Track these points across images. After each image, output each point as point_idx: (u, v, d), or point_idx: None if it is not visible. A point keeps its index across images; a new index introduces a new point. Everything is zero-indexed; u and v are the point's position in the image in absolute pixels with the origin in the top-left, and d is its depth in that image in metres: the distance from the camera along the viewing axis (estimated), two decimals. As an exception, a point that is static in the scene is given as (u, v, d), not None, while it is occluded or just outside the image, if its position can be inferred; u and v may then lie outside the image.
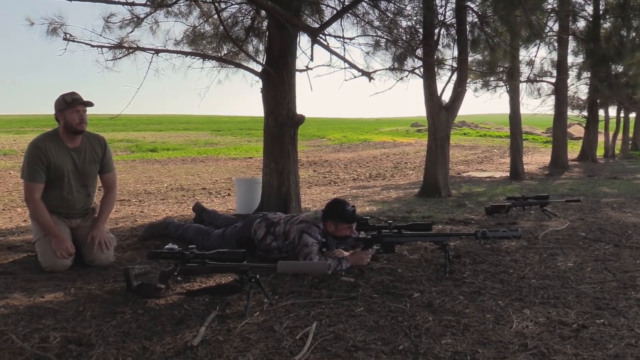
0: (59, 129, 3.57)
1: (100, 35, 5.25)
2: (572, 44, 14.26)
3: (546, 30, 12.56)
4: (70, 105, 3.49)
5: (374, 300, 2.82)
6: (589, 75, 15.07)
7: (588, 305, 2.74)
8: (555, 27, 13.60)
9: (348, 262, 3.42)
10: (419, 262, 3.67)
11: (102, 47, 5.11)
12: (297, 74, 5.42)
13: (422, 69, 7.88)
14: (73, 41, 4.92)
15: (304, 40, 6.44)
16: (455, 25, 7.85)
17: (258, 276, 2.72)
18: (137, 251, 4.04)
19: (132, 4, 5.27)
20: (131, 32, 5.60)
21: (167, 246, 2.91)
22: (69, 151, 3.58)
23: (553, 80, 14.17)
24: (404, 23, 7.57)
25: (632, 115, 21.37)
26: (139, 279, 2.91)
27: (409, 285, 3.10)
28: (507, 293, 2.95)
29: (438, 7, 7.86)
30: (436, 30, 7.83)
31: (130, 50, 5.30)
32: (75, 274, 3.33)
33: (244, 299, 2.75)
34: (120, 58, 5.36)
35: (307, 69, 5.64)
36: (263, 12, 5.89)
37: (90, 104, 3.61)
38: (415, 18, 7.67)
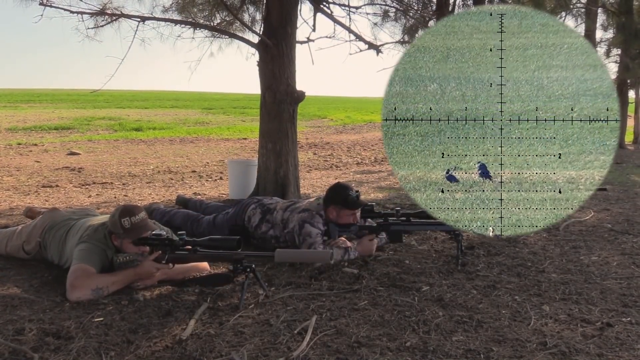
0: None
1: (81, 0, 5.22)
2: (601, 17, 14.13)
3: (573, 1, 12.44)
4: (130, 233, 2.91)
5: (379, 293, 2.83)
6: (619, 52, 14.97)
7: (613, 302, 2.75)
8: (583, -2, 13.49)
9: (355, 251, 3.44)
10: (429, 253, 3.68)
11: (82, 13, 5.08)
12: (298, 46, 5.41)
13: (435, 43, 7.81)
14: (50, 6, 4.89)
15: (305, 8, 6.41)
16: (472, -7, 7.79)
17: (254, 265, 2.72)
18: (120, 238, 4.04)
19: (116, -35, 5.22)
20: (115, -4, 5.56)
21: (154, 232, 2.92)
22: None
23: (579, 56, 14.06)
24: (416, -9, 7.51)
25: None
26: (123, 268, 2.91)
27: (418, 277, 3.11)
28: (525, 288, 2.96)
29: (454, -26, 7.80)
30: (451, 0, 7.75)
31: (114, 18, 5.27)
32: (53, 261, 3.34)
33: (237, 290, 2.76)
34: (102, 26, 5.34)
35: (309, 40, 5.62)
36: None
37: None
38: (428, -15, 7.61)
